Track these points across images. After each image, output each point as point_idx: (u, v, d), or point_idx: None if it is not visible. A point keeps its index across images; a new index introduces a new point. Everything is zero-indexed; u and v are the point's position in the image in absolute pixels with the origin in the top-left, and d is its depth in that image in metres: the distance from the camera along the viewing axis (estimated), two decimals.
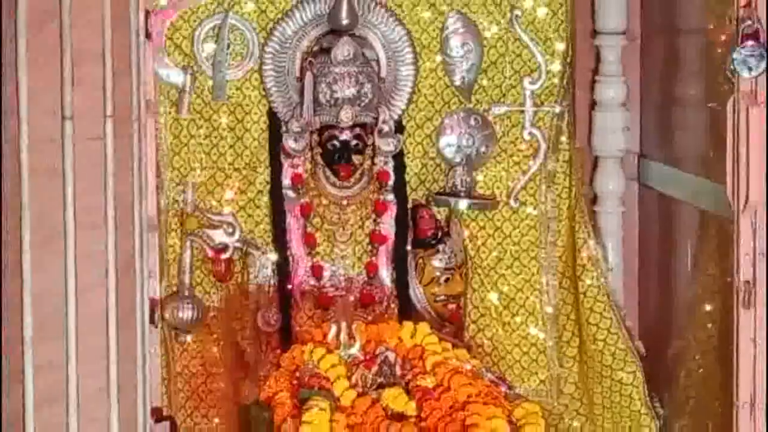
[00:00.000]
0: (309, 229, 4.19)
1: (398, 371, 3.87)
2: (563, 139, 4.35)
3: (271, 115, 4.21)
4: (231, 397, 4.19)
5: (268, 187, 4.21)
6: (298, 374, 3.81)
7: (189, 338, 4.07)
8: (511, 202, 4.33)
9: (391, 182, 4.23)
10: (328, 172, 4.19)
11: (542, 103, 4.31)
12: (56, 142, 3.28)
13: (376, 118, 4.16)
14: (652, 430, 4.28)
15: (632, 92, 4.47)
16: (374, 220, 4.23)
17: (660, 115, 4.39)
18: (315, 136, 4.16)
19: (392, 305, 4.23)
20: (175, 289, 4.00)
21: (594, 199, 4.50)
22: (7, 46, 3.24)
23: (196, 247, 4.02)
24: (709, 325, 4.06)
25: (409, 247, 4.26)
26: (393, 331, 3.95)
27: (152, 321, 3.48)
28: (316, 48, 4.19)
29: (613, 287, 4.39)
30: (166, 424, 3.51)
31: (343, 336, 3.87)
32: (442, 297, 4.24)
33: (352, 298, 4.19)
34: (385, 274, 4.24)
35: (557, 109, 4.32)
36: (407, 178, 4.27)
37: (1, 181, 3.25)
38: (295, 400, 3.73)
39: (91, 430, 3.33)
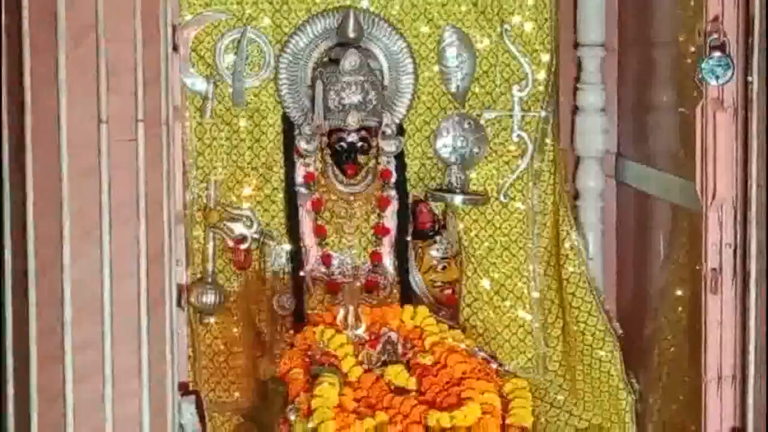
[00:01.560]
0: (319, 222, 4.20)
1: (400, 350, 3.89)
2: (548, 140, 4.36)
3: (285, 119, 4.22)
4: (250, 373, 4.20)
5: (283, 184, 4.22)
6: (310, 353, 3.83)
7: (212, 320, 4.08)
8: (501, 197, 4.34)
9: (393, 180, 4.24)
10: (337, 171, 4.19)
11: (529, 109, 4.31)
12: (93, 144, 3.30)
13: (380, 122, 4.17)
14: (628, 403, 4.27)
15: (610, 98, 4.47)
16: (378, 214, 4.24)
17: (635, 119, 4.40)
18: (325, 138, 4.17)
19: (394, 291, 4.24)
20: (199, 275, 4.01)
21: (576, 195, 4.49)
22: (39, 59, 3.26)
23: (218, 238, 4.04)
24: (680, 309, 4.06)
25: (409, 239, 4.26)
26: (395, 313, 3.97)
27: (179, 304, 3.49)
28: (325, 59, 4.19)
29: (593, 274, 4.39)
30: (192, 397, 3.52)
31: (350, 318, 3.89)
32: (439, 283, 4.24)
33: (358, 284, 4.19)
34: (388, 263, 4.24)
35: (543, 114, 4.32)
36: (407, 176, 4.28)
37: (25, 181, 3.27)
38: (308, 376, 3.75)
39: (124, 403, 3.34)
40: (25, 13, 3.27)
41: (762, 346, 3.53)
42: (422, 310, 3.98)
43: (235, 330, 4.19)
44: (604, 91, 4.46)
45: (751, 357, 3.56)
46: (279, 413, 3.82)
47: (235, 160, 4.21)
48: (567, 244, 4.34)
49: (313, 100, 4.15)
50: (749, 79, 3.53)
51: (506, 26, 4.28)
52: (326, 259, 4.20)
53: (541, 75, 4.31)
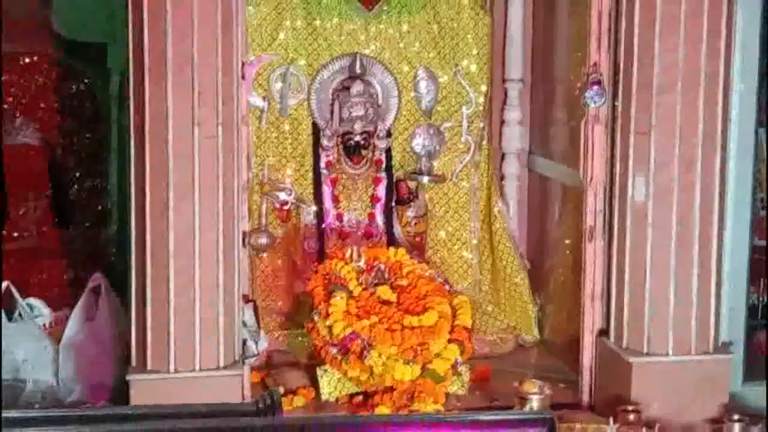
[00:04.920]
0: (335, 192, 4.18)
1: (386, 276, 3.88)
2: (484, 142, 4.33)
3: (314, 125, 4.19)
4: (288, 290, 4.18)
5: (312, 167, 4.19)
6: (327, 277, 3.84)
7: (264, 255, 4.05)
8: (453, 179, 4.30)
9: (383, 166, 4.21)
10: (347, 159, 4.17)
11: (472, 121, 4.27)
12: (189, 139, 3.29)
13: (376, 128, 4.14)
14: (533, 312, 4.27)
15: (525, 115, 4.43)
16: (373, 188, 4.21)
17: (541, 129, 4.39)
18: (339, 138, 4.14)
19: (383, 238, 4.21)
20: (256, 225, 4.00)
21: (502, 177, 4.45)
22: (154, 83, 3.25)
23: (269, 201, 4.02)
24: (567, 252, 4.08)
25: (393, 204, 4.23)
26: (383, 252, 3.97)
27: (243, 244, 3.49)
28: (340, 87, 4.15)
29: (512, 228, 4.38)
30: (251, 304, 3.52)
31: (354, 255, 3.89)
32: (413, 233, 4.22)
33: (359, 233, 4.18)
34: (379, 220, 4.21)
35: (481, 125, 4.30)
36: (393, 163, 4.24)
37: (144, 162, 3.25)
38: (326, 292, 3.76)
39: (208, 307, 3.35)
40: (146, 52, 3.27)
41: (615, 275, 3.55)
42: (401, 250, 3.98)
43: (279, 261, 4.17)
44: (521, 111, 4.42)
45: (614, 282, 3.58)
46: (307, 315, 3.84)
47: (280, 151, 4.18)
48: (495, 209, 4.33)
49: (332, 113, 4.13)
50: (616, 104, 3.54)
51: (458, 67, 4.25)
52: (339, 217, 4.18)
53: (481, 99, 4.28)
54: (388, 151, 4.22)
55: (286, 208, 4.08)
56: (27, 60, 4.59)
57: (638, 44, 3.43)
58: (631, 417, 3.28)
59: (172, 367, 3.31)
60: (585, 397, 3.66)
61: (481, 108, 4.28)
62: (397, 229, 4.23)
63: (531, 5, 4.34)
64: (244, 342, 3.43)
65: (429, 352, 3.59)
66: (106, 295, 3.79)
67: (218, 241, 3.34)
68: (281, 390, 3.65)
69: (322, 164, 4.18)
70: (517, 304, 4.29)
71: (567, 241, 4.08)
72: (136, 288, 3.37)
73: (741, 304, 3.65)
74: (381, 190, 4.21)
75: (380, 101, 4.19)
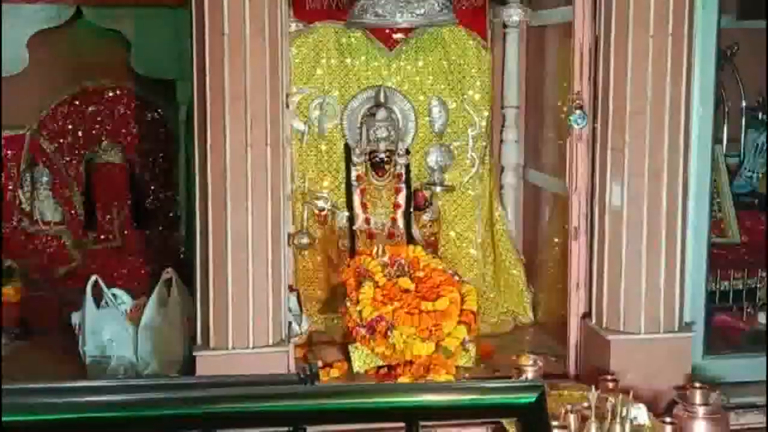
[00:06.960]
0: (364, 200, 4.17)
1: (406, 269, 3.88)
2: (486, 158, 4.31)
3: (346, 145, 4.18)
4: (325, 281, 4.18)
5: (344, 180, 4.18)
6: (358, 269, 3.83)
7: (306, 252, 4.06)
8: (461, 188, 4.27)
9: (403, 178, 4.18)
10: (373, 173, 4.15)
11: (477, 141, 4.26)
12: (243, 158, 3.31)
13: (397, 147, 4.13)
14: (528, 299, 4.26)
15: (520, 135, 4.42)
16: (395, 197, 4.19)
17: (534, 146, 4.38)
18: (367, 156, 4.13)
19: (403, 238, 4.19)
20: (299, 228, 4.00)
21: (501, 187, 4.43)
22: (215, 111, 3.26)
23: (309, 208, 4.03)
24: (556, 248, 4.08)
25: (411, 210, 4.21)
26: (403, 249, 3.96)
27: (288, 243, 3.50)
28: (368, 113, 4.15)
29: (510, 229, 4.36)
30: (295, 293, 3.53)
31: (380, 252, 3.89)
32: (428, 234, 4.21)
33: (384, 234, 4.17)
34: (400, 223, 4.19)
35: (484, 144, 4.28)
36: (411, 176, 4.22)
37: (207, 177, 3.27)
38: (357, 282, 3.76)
39: (259, 295, 3.35)
40: (208, 86, 3.30)
41: (596, 267, 3.52)
42: (418, 248, 3.98)
43: (318, 257, 4.17)
44: (517, 131, 4.40)
45: (595, 273, 3.56)
46: (341, 302, 3.84)
47: (318, 167, 4.17)
48: (496, 214, 4.32)
49: (360, 135, 4.12)
50: (595, 125, 3.53)
51: (465, 96, 4.23)
52: (367, 220, 4.17)
53: (483, 123, 4.26)
54: (407, 166, 4.21)
55: (323, 213, 4.08)
56: (111, 94, 4.66)
57: (614, 75, 3.42)
58: (610, 385, 3.28)
59: (230, 345, 3.32)
60: (571, 369, 3.64)
61: (483, 130, 4.27)
62: (415, 231, 4.22)
63: (525, 44, 4.33)
64: (290, 324, 3.44)
65: (442, 331, 3.59)
66: (177, 285, 3.81)
67: (267, 241, 3.34)
68: (320, 363, 3.64)
69: (353, 177, 4.17)
70: (514, 292, 4.28)
71: (556, 240, 4.07)
72: (201, 280, 3.38)
73: (701, 291, 3.63)
74: (401, 198, 4.20)
75: (400, 125, 4.18)
